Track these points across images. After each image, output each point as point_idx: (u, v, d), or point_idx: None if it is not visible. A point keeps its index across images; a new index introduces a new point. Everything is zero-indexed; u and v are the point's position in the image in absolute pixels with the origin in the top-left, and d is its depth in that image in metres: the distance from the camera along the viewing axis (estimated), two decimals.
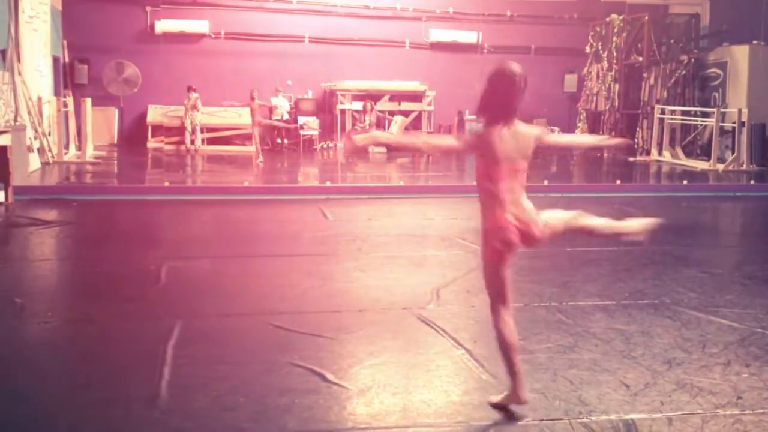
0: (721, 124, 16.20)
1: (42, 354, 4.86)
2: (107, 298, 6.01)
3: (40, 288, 6.46)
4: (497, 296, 3.85)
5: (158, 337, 4.90)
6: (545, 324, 5.27)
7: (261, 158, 16.42)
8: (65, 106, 16.59)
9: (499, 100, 3.72)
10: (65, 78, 18.85)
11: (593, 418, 3.78)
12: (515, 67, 3.75)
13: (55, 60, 17.66)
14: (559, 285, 6.32)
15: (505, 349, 3.84)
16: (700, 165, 16.11)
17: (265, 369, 4.40)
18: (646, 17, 18.26)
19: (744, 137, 15.54)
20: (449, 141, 4.09)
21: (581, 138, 3.86)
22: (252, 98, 16.28)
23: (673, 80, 18.17)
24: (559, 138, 4.51)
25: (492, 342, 4.93)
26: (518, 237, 3.74)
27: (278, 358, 4.57)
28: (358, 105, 19.88)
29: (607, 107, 19.20)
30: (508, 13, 21.02)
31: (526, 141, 3.76)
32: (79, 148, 16.26)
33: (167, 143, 18.84)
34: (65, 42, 18.92)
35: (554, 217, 3.88)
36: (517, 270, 6.93)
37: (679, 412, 3.86)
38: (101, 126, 18.74)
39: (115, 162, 16.21)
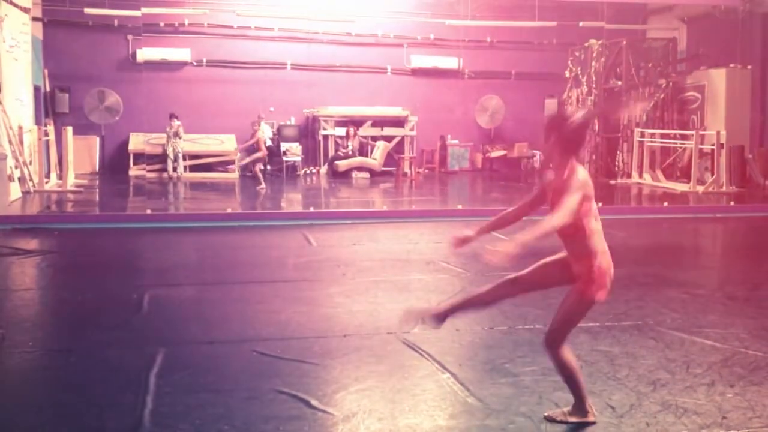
0: (700, 146, 16.37)
1: (23, 384, 4.80)
2: (89, 327, 5.96)
3: (21, 317, 6.39)
4: (567, 334, 3.93)
5: (141, 365, 4.85)
6: (530, 347, 5.27)
7: (263, 185, 16.29)
8: (46, 134, 16.52)
9: (582, 146, 3.92)
10: (46, 107, 18.78)
11: None
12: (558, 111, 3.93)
13: (36, 89, 17.61)
14: (543, 307, 6.31)
15: (577, 372, 3.98)
16: (680, 187, 16.25)
17: (249, 396, 4.37)
18: (624, 42, 18.48)
19: (723, 159, 15.70)
20: (572, 205, 3.68)
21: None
22: (256, 128, 16.76)
23: (651, 104, 18.36)
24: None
25: (477, 365, 4.93)
26: None
27: (262, 385, 4.54)
28: (341, 131, 19.94)
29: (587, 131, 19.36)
30: (489, 39, 21.21)
31: None
32: (60, 176, 16.17)
33: (149, 171, 18.78)
34: (46, 71, 18.88)
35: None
36: None
37: None
38: (83, 154, 18.65)
39: (97, 190, 16.12)
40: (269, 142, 19.30)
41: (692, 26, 19.93)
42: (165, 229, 11.04)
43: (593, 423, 3.93)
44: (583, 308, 3.88)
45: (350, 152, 19.67)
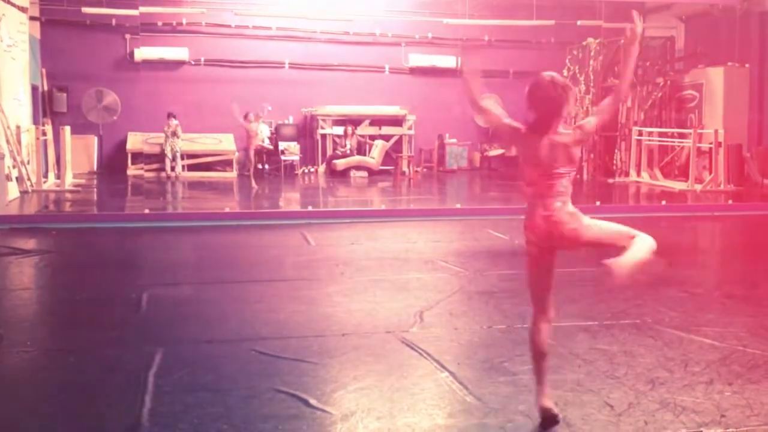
0: (698, 144, 16.37)
1: (22, 384, 4.80)
2: (88, 326, 5.95)
3: (20, 317, 6.38)
4: (532, 301, 3.98)
5: (139, 364, 4.85)
6: (528, 345, 5.26)
7: (255, 186, 16.35)
8: (44, 134, 16.50)
9: (536, 110, 3.80)
10: (44, 106, 18.77)
11: None
12: (552, 77, 3.81)
13: (34, 88, 17.59)
14: None
15: (534, 355, 3.97)
16: (678, 185, 16.25)
17: (247, 395, 4.37)
18: (622, 41, 18.46)
19: (721, 158, 15.71)
20: (499, 116, 3.96)
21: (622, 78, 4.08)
22: (248, 120, 16.63)
23: (649, 102, 18.37)
24: (602, 108, 4.09)
25: (476, 364, 4.94)
26: (539, 236, 3.84)
27: (261, 384, 4.54)
28: (339, 130, 19.93)
29: None
30: (486, 38, 21.21)
31: (563, 148, 3.83)
32: (58, 176, 16.16)
33: (147, 170, 18.77)
34: (44, 70, 18.86)
35: (601, 227, 3.91)
36: (499, 291, 6.94)
37: None
38: (81, 154, 18.64)
39: (95, 190, 16.12)
40: (266, 141, 19.30)
41: (690, 25, 19.93)
42: (163, 229, 11.03)
43: (546, 408, 3.89)
44: (527, 264, 3.99)
45: (348, 151, 19.66)
